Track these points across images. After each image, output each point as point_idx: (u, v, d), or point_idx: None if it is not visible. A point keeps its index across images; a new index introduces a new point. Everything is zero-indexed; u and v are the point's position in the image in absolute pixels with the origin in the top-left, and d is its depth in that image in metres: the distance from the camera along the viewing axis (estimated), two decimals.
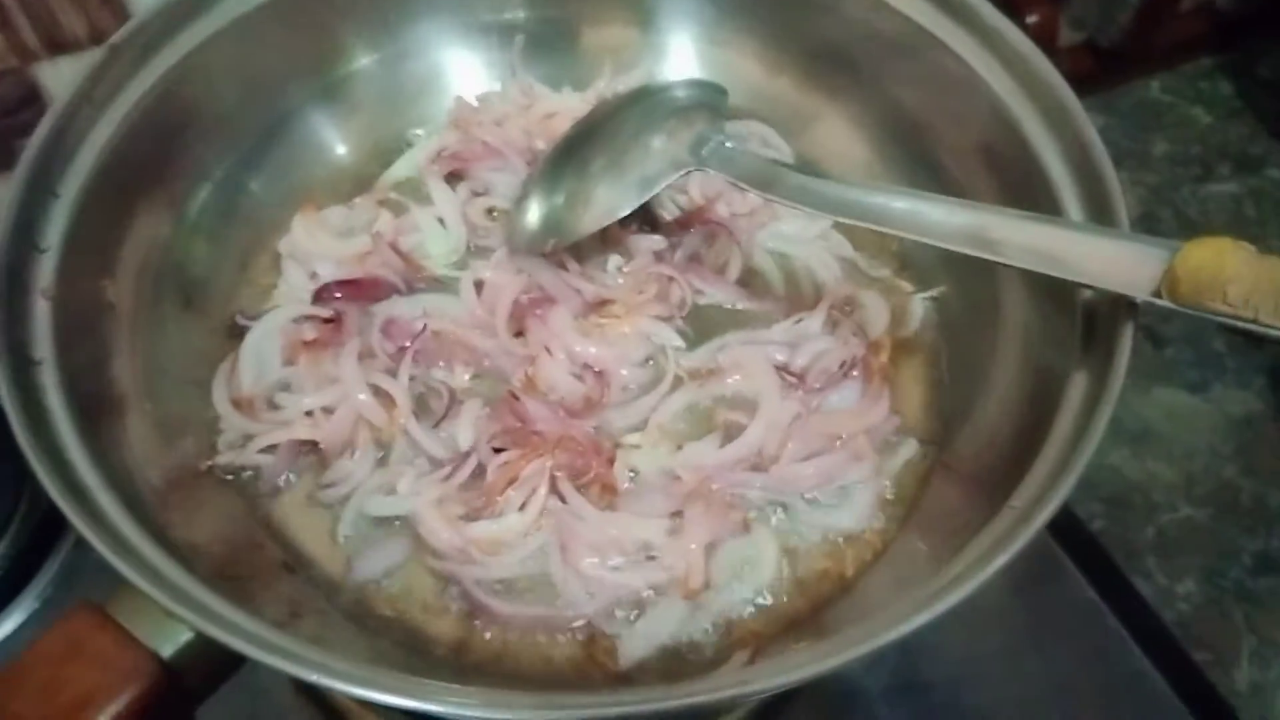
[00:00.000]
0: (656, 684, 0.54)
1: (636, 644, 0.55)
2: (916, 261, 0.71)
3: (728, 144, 0.64)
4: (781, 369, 0.66)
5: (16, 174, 0.56)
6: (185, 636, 0.45)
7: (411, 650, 0.56)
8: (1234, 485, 0.98)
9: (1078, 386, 0.53)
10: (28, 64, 0.82)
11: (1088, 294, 0.55)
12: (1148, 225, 1.11)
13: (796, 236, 0.73)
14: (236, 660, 0.45)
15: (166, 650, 0.45)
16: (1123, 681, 0.74)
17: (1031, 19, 1.07)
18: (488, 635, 0.56)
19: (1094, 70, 1.29)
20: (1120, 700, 0.74)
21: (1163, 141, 1.24)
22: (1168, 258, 0.50)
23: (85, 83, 0.60)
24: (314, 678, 0.41)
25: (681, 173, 0.65)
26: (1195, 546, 0.93)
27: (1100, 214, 0.57)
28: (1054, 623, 0.76)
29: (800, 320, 0.68)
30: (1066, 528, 0.79)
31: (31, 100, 0.85)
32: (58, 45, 0.82)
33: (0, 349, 0.50)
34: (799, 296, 0.71)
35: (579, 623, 0.56)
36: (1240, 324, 0.48)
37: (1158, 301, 0.50)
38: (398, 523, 0.60)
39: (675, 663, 0.56)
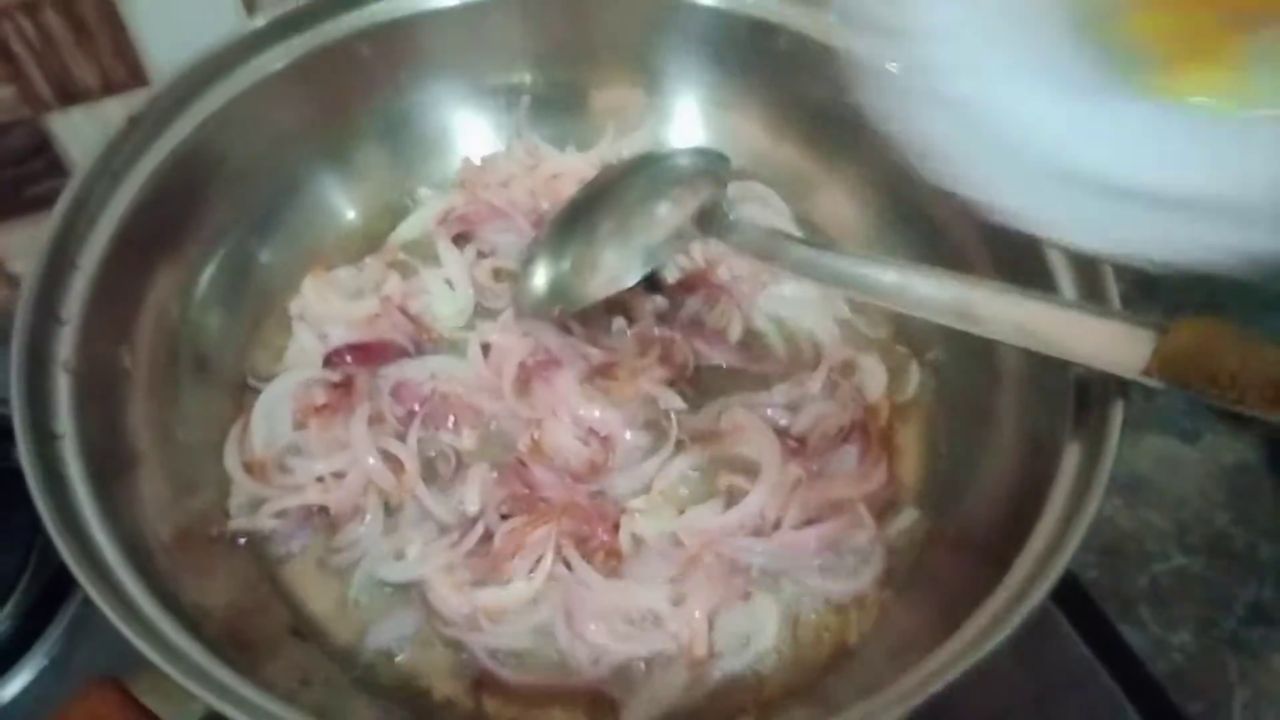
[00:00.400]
0: None
1: (641, 712, 0.56)
2: (913, 325, 0.72)
3: (731, 215, 0.65)
4: (782, 434, 0.67)
5: (39, 247, 0.58)
6: (204, 711, 0.46)
7: (420, 717, 0.57)
8: (1226, 534, 0.99)
9: (1072, 458, 0.54)
10: (40, 114, 0.82)
11: (1080, 368, 0.56)
12: (1139, 273, 1.12)
13: (796, 299, 0.74)
14: None
15: None
16: None
17: None
18: (496, 705, 0.57)
19: None
20: None
21: None
22: (1155, 338, 0.51)
23: (104, 155, 0.62)
24: None
25: (686, 243, 0.66)
26: (1189, 596, 0.94)
27: (1091, 288, 0.59)
28: (1051, 681, 0.76)
29: (800, 383, 0.69)
30: (1059, 582, 0.80)
31: (43, 149, 0.85)
32: (70, 95, 0.82)
33: (24, 426, 0.51)
34: (799, 358, 0.73)
35: (584, 688, 0.57)
36: (1225, 405, 0.50)
37: (1148, 381, 0.51)
38: (409, 590, 0.61)
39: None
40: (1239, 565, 0.96)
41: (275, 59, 0.69)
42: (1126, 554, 0.96)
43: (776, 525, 0.63)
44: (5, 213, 0.86)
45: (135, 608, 0.48)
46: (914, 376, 0.71)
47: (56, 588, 0.73)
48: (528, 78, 0.79)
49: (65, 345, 0.56)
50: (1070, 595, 0.80)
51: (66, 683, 0.69)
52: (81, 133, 0.83)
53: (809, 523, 0.64)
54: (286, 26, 0.69)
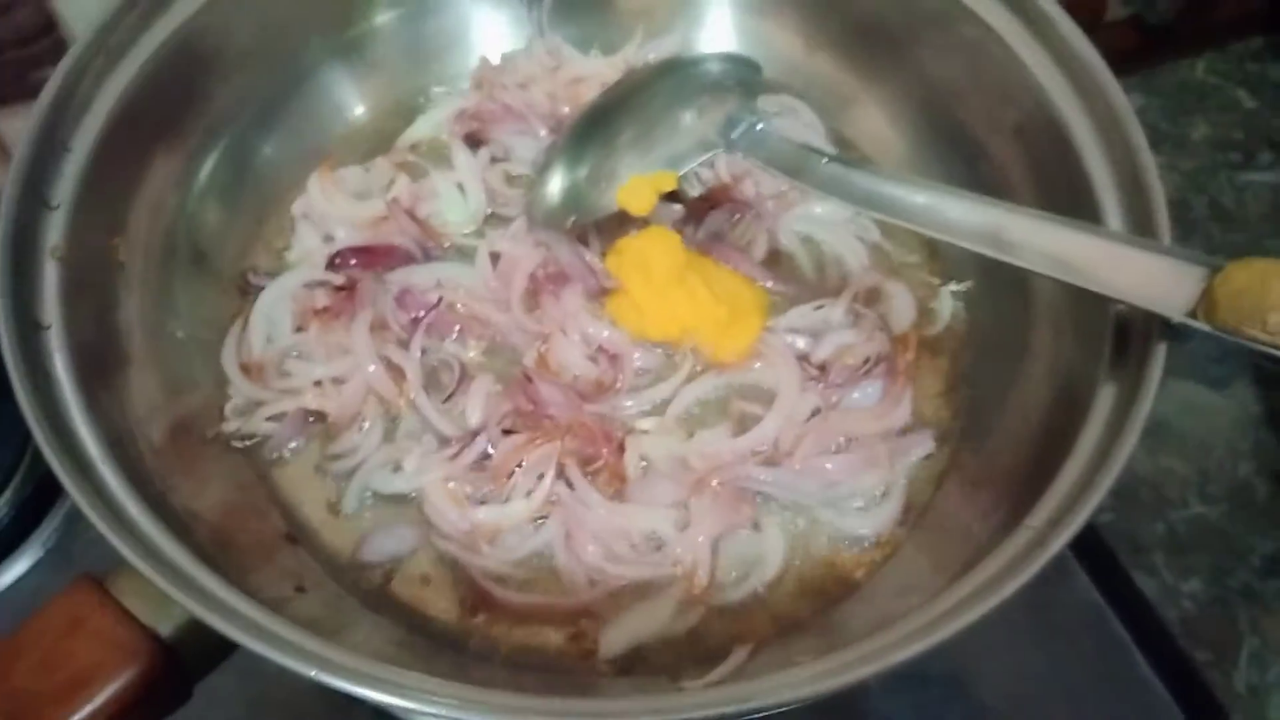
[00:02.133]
0: (654, 675, 0.54)
1: (619, 638, 0.55)
2: (946, 252, 0.69)
3: (759, 126, 0.62)
4: (802, 359, 0.65)
5: (27, 127, 0.55)
6: (184, 615, 0.45)
7: (413, 632, 0.56)
8: (1249, 484, 0.97)
9: (1105, 402, 0.51)
10: None
11: (1121, 305, 0.53)
12: (1180, 213, 1.07)
13: (826, 219, 0.71)
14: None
15: (165, 628, 0.45)
16: (1121, 683, 0.74)
17: None
18: (486, 623, 0.56)
19: (1139, 46, 1.25)
20: (1117, 701, 0.74)
21: (1203, 125, 1.20)
22: (1207, 277, 0.48)
23: (101, 30, 0.59)
24: (312, 673, 0.41)
25: (709, 154, 0.63)
26: (1205, 545, 0.92)
27: (1141, 223, 0.55)
28: (1057, 621, 0.75)
29: (821, 306, 0.66)
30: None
31: (48, 30, 0.83)
32: None
33: (7, 316, 0.49)
34: (825, 282, 0.69)
35: (578, 609, 0.56)
36: (1272, 351, 0.47)
37: (1192, 323, 0.48)
38: (406, 501, 0.59)
39: (673, 654, 0.55)
40: (1260, 516, 0.94)
41: None
42: (1144, 500, 0.94)
43: (789, 456, 0.61)
44: (11, 96, 0.84)
45: (118, 508, 0.46)
46: (945, 308, 0.68)
47: (49, 485, 0.72)
48: None
49: (54, 231, 0.54)
50: (1084, 539, 0.78)
51: (63, 573, 0.69)
52: (87, 12, 0.80)
53: (824, 454, 0.61)
54: None
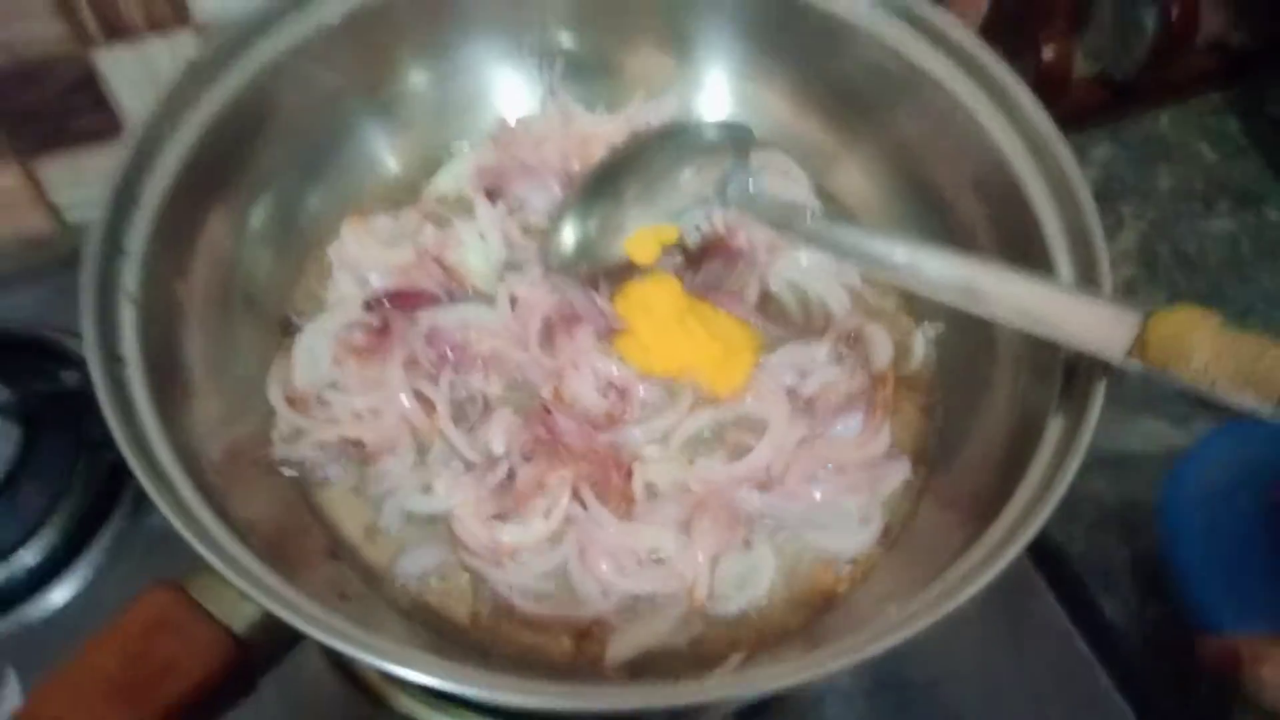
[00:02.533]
0: (657, 680, 0.60)
1: (626, 646, 0.61)
2: (918, 298, 0.76)
3: (750, 184, 0.69)
4: (791, 394, 0.71)
5: (106, 183, 0.62)
6: (255, 615, 0.51)
7: (442, 636, 0.62)
8: None
9: (1054, 432, 0.58)
10: (87, 49, 0.85)
11: (1069, 348, 0.60)
12: (1146, 259, 1.15)
13: (813, 268, 0.78)
14: (298, 637, 0.51)
15: (239, 626, 0.51)
16: (1086, 698, 0.80)
17: (1048, 53, 1.11)
18: (510, 629, 0.63)
19: (1106, 102, 1.32)
20: (1082, 712, 0.80)
21: (1168, 176, 1.27)
22: (1141, 322, 0.55)
23: (167, 99, 0.66)
24: (369, 658, 0.47)
25: (706, 209, 0.70)
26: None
27: (1087, 273, 0.62)
28: (1028, 636, 0.81)
29: (808, 346, 0.73)
30: (1045, 552, 0.84)
31: (87, 84, 0.88)
32: (116, 32, 0.85)
33: (95, 349, 0.56)
34: (811, 323, 0.76)
35: (590, 620, 0.62)
36: (1198, 391, 0.54)
37: (1129, 364, 0.56)
38: (435, 522, 0.66)
39: (675, 661, 0.62)
40: None
41: (330, 13, 0.72)
42: (1110, 529, 1.00)
43: (780, 481, 0.68)
44: (50, 145, 0.90)
45: (194, 516, 0.53)
46: (919, 349, 0.76)
47: (100, 504, 0.78)
48: (563, 38, 0.82)
49: (129, 276, 0.60)
50: (1055, 566, 0.84)
51: (112, 591, 0.75)
52: (126, 69, 0.87)
53: (811, 479, 0.68)
54: None
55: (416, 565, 0.65)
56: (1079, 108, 1.22)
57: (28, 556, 0.74)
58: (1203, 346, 0.54)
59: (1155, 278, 1.13)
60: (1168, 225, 1.21)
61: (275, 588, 0.50)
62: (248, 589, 0.48)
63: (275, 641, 0.52)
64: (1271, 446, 0.85)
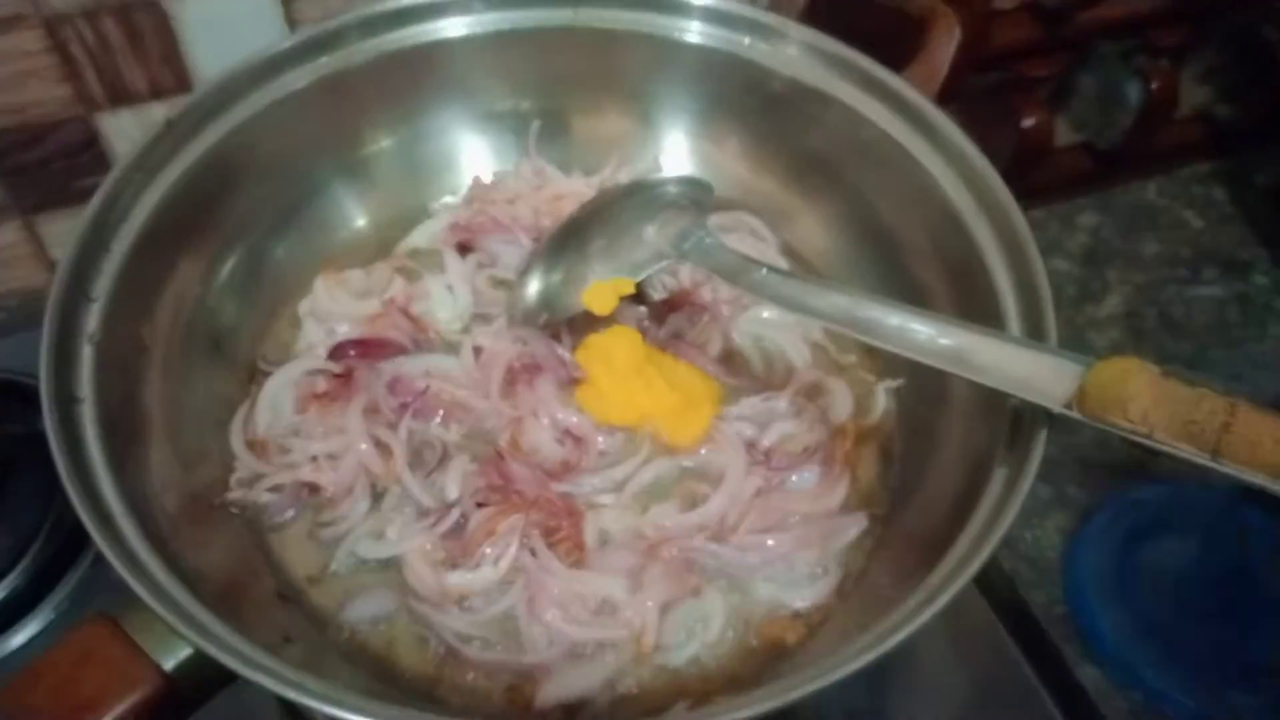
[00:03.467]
0: None
1: (554, 692, 0.61)
2: (881, 352, 0.76)
3: (707, 239, 0.70)
4: (750, 445, 0.72)
5: (75, 231, 0.64)
6: (185, 652, 0.52)
7: (387, 682, 0.62)
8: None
9: (997, 481, 0.58)
10: (91, 112, 0.89)
11: (1014, 398, 0.60)
12: (1132, 323, 1.15)
13: (774, 322, 0.79)
14: (229, 677, 0.51)
15: (168, 663, 0.51)
16: None
17: (1028, 122, 1.13)
18: (454, 675, 0.62)
19: (1092, 170, 1.34)
20: None
21: (1154, 242, 1.28)
22: (1082, 373, 0.56)
23: (142, 152, 0.69)
24: (291, 695, 0.47)
25: (664, 263, 0.72)
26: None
27: (1034, 325, 0.63)
28: (998, 700, 0.80)
29: (768, 399, 0.74)
30: (1019, 615, 0.83)
31: (90, 144, 0.92)
32: (120, 97, 0.89)
33: (48, 389, 0.57)
34: (773, 377, 0.77)
35: (535, 668, 0.62)
36: (1137, 439, 0.54)
37: (1069, 413, 0.56)
38: (387, 568, 0.66)
39: (617, 709, 0.61)
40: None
41: (304, 75, 0.76)
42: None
43: (734, 531, 0.68)
44: (53, 202, 0.93)
45: (133, 554, 0.53)
46: (879, 403, 0.76)
47: (68, 548, 0.79)
48: (526, 104, 0.85)
49: (93, 320, 0.62)
50: (1031, 635, 0.83)
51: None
52: (128, 131, 0.90)
53: (766, 531, 0.68)
54: (316, 46, 0.76)
55: (365, 611, 0.65)
56: (1064, 175, 1.23)
57: None
58: (1140, 395, 0.54)
59: (1142, 342, 1.13)
60: (1154, 290, 1.21)
61: (203, 622, 0.50)
62: (173, 621, 0.49)
63: (205, 680, 0.52)
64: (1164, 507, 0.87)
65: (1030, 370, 0.57)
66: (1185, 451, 0.53)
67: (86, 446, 0.58)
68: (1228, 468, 0.51)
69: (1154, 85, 1.16)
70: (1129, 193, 1.32)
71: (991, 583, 0.82)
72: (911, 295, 0.72)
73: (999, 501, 0.56)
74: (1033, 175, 1.16)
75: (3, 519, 0.78)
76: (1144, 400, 0.53)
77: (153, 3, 0.83)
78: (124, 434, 0.61)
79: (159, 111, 0.88)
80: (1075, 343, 1.04)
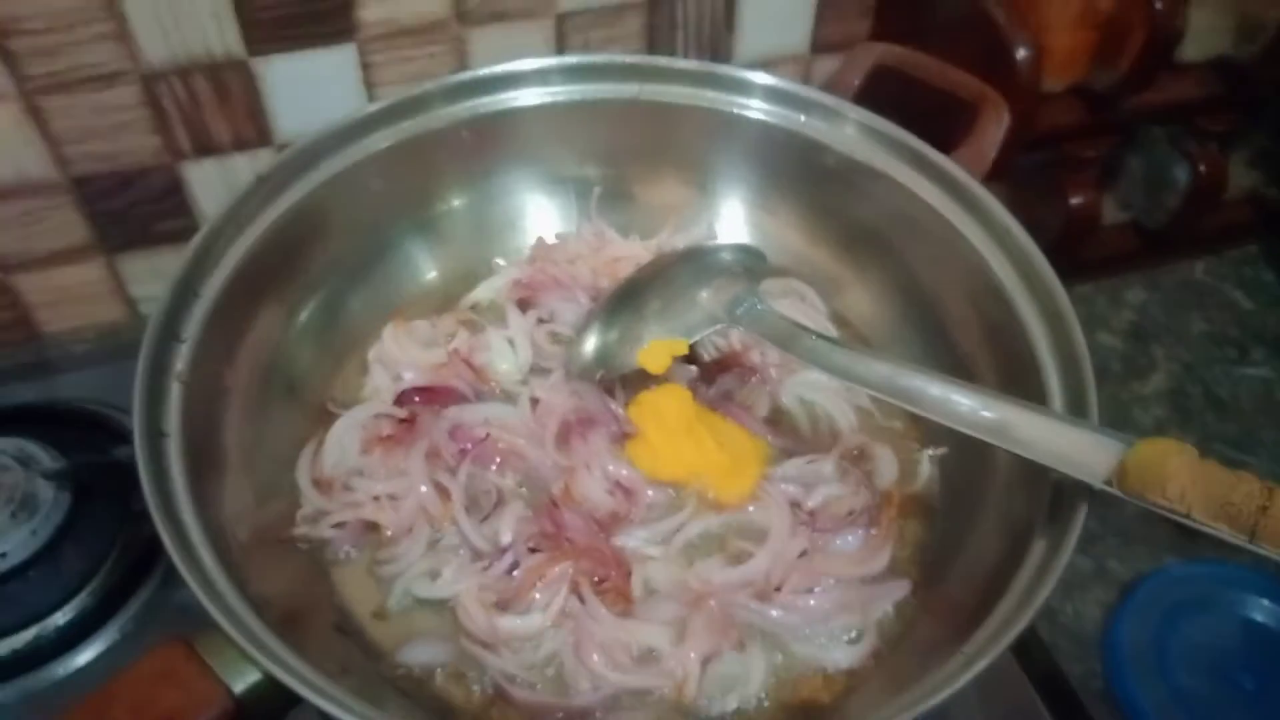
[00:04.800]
0: None
1: None
2: (925, 421, 0.78)
3: (759, 305, 0.73)
4: (795, 505, 0.74)
5: (171, 276, 0.69)
6: (254, 676, 0.54)
7: (438, 716, 0.64)
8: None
9: (1037, 552, 0.60)
10: (177, 161, 0.94)
11: (1056, 472, 0.62)
12: (1178, 401, 1.15)
13: (822, 385, 0.82)
14: (292, 702, 0.54)
15: (238, 686, 0.54)
16: None
17: (1076, 200, 1.15)
18: (503, 714, 0.65)
19: (1139, 249, 1.35)
20: None
21: (1201, 321, 1.28)
22: (1123, 451, 0.57)
23: (235, 205, 0.74)
24: None
25: (717, 326, 0.75)
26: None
27: (1076, 403, 0.65)
28: None
29: (814, 461, 0.76)
30: (1057, 687, 0.83)
31: (174, 191, 0.97)
32: (205, 148, 0.94)
33: (140, 423, 0.61)
34: (820, 439, 0.79)
35: (578, 711, 0.64)
36: (1176, 518, 0.55)
37: (1109, 490, 0.57)
38: (441, 609, 0.69)
39: None
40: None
41: (385, 138, 0.81)
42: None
43: (778, 589, 0.70)
44: (135, 243, 0.98)
45: (210, 580, 0.57)
46: (924, 470, 0.78)
47: (136, 572, 0.82)
48: (591, 171, 0.90)
49: (181, 360, 0.67)
50: (1068, 707, 0.83)
51: (134, 656, 0.78)
52: (210, 180, 0.96)
53: (808, 591, 0.70)
54: (397, 112, 0.81)
55: (421, 656, 0.67)
56: (1112, 253, 1.25)
57: (60, 619, 0.78)
58: (1178, 476, 0.55)
59: (1187, 420, 1.13)
60: (1201, 369, 1.21)
61: (274, 649, 0.53)
62: (246, 648, 0.52)
63: (271, 703, 0.55)
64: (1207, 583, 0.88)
65: (1071, 446, 0.59)
66: (1223, 532, 0.54)
67: (171, 478, 0.62)
68: (1265, 550, 0.53)
69: (1201, 168, 1.18)
70: (1177, 271, 1.33)
71: (1029, 653, 0.83)
72: (955, 365, 0.74)
73: (1038, 572, 0.58)
74: (1080, 252, 1.18)
75: (76, 542, 0.81)
76: (1182, 480, 0.55)
77: (241, 62, 0.89)
78: (204, 467, 0.65)
79: (240, 161, 0.94)
80: (1120, 419, 1.05)
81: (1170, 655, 0.83)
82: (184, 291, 0.69)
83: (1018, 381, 0.68)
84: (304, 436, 0.76)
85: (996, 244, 0.73)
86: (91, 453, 0.85)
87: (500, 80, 0.83)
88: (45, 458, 0.83)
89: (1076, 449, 0.59)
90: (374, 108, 0.80)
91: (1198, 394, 1.20)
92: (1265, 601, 0.86)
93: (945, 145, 0.78)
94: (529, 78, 0.83)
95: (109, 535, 0.82)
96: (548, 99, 0.84)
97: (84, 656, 0.79)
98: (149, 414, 0.63)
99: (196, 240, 0.70)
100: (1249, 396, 1.20)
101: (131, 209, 0.96)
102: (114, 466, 0.83)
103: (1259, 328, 1.26)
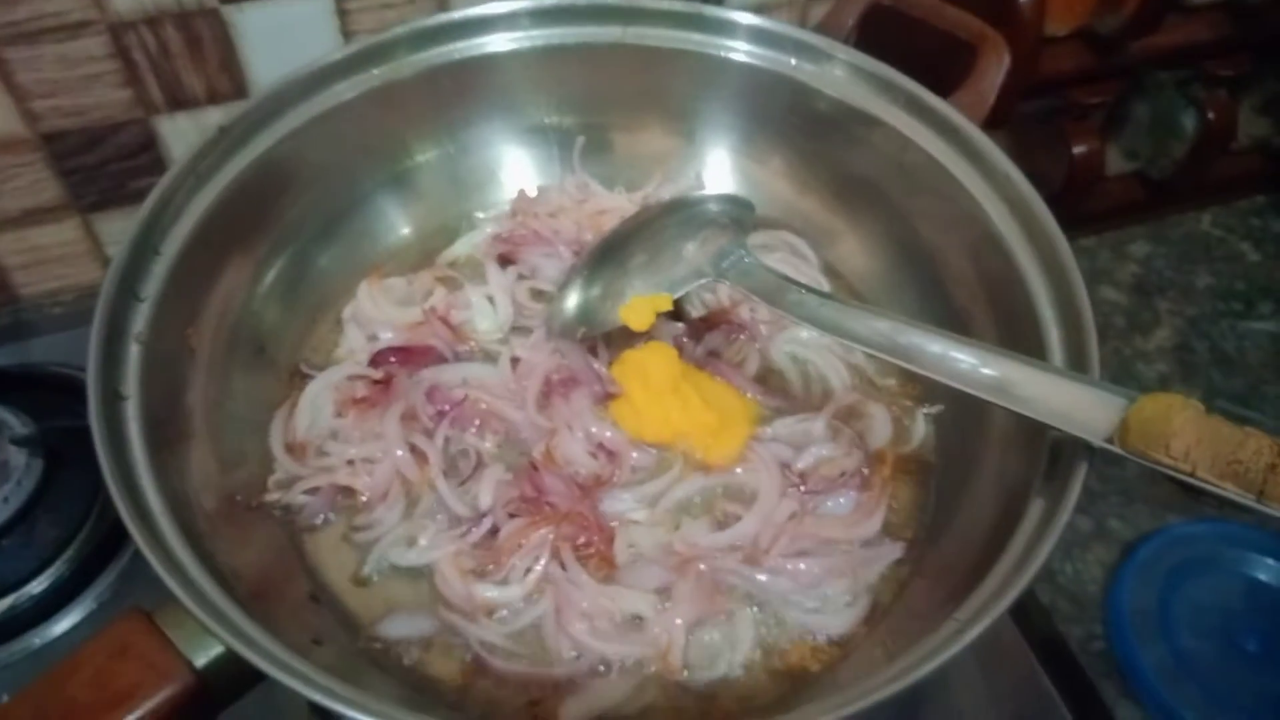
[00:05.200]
0: None
1: (577, 709, 0.61)
2: (921, 377, 0.75)
3: (746, 259, 0.70)
4: (784, 467, 0.71)
5: (127, 234, 0.66)
6: (217, 650, 0.52)
7: (414, 688, 0.62)
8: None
9: (1034, 513, 0.57)
10: (150, 115, 0.91)
11: (1055, 430, 0.59)
12: (1183, 356, 1.13)
13: (813, 342, 0.79)
14: (259, 676, 0.52)
15: (200, 660, 0.52)
16: None
17: (1079, 149, 1.12)
18: (484, 685, 0.62)
19: (1145, 199, 1.32)
20: None
21: (1207, 275, 1.26)
22: (1125, 407, 0.55)
23: (195, 157, 0.70)
24: (317, 698, 0.48)
25: (703, 280, 0.72)
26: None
27: (1077, 357, 0.62)
28: None
29: (804, 420, 0.73)
30: (1056, 649, 0.81)
31: (148, 147, 0.94)
32: (178, 102, 0.91)
33: (95, 385, 0.58)
34: (809, 398, 0.77)
35: (561, 680, 0.62)
36: (1179, 476, 0.53)
37: (1110, 447, 0.55)
38: (418, 576, 0.66)
39: None
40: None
41: (354, 87, 0.77)
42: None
43: (766, 553, 0.67)
44: (110, 202, 0.96)
45: (171, 552, 0.54)
46: (918, 429, 0.75)
47: (111, 540, 0.80)
48: (569, 120, 0.86)
49: (140, 320, 0.64)
50: (1068, 670, 0.81)
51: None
52: (184, 135, 0.93)
53: (798, 555, 0.67)
54: (365, 58, 0.78)
55: (401, 630, 0.65)
56: (1116, 204, 1.22)
57: (36, 588, 0.76)
58: (1184, 433, 0.53)
59: (1192, 376, 1.10)
60: (1206, 323, 1.19)
61: (235, 622, 0.51)
62: (205, 619, 0.50)
63: (235, 679, 0.52)
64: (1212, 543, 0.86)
65: (1073, 403, 0.56)
66: (1229, 491, 0.52)
67: (129, 443, 0.59)
68: (1274, 509, 0.50)
69: (1210, 115, 1.14)
70: (1183, 223, 1.30)
71: (1028, 615, 0.81)
72: (952, 320, 0.71)
73: (1036, 533, 0.56)
74: (1083, 203, 1.15)
75: (50, 510, 0.79)
76: (1187, 437, 0.52)
77: (213, 10, 0.85)
78: (166, 432, 0.63)
79: (215, 116, 0.90)
80: (1123, 375, 1.03)
81: (1173, 617, 0.81)
82: (143, 248, 0.66)
83: (1017, 337, 0.65)
84: (275, 399, 0.74)
85: (996, 193, 0.70)
86: (65, 418, 0.83)
87: (474, 24, 0.79)
88: (16, 423, 0.81)
89: (1077, 405, 0.56)
90: (339, 54, 0.76)
91: (1203, 349, 1.17)
92: (1270, 561, 0.84)
93: (943, 89, 0.75)
94: (500, 21, 0.80)
95: (84, 502, 0.80)
96: (525, 43, 0.80)
97: (61, 625, 0.78)
98: (105, 376, 0.60)
99: (154, 194, 0.67)
100: (1255, 351, 1.18)
101: (105, 166, 0.93)
102: (87, 432, 0.81)
103: (1266, 281, 1.24)
